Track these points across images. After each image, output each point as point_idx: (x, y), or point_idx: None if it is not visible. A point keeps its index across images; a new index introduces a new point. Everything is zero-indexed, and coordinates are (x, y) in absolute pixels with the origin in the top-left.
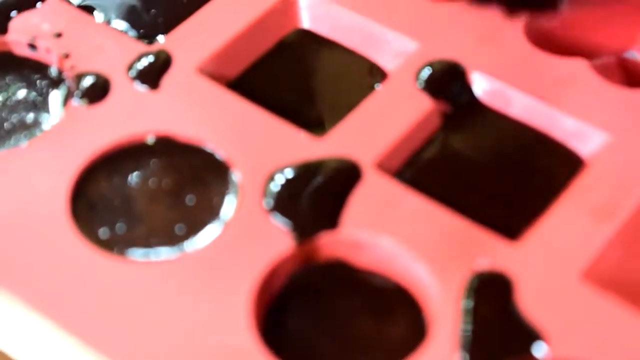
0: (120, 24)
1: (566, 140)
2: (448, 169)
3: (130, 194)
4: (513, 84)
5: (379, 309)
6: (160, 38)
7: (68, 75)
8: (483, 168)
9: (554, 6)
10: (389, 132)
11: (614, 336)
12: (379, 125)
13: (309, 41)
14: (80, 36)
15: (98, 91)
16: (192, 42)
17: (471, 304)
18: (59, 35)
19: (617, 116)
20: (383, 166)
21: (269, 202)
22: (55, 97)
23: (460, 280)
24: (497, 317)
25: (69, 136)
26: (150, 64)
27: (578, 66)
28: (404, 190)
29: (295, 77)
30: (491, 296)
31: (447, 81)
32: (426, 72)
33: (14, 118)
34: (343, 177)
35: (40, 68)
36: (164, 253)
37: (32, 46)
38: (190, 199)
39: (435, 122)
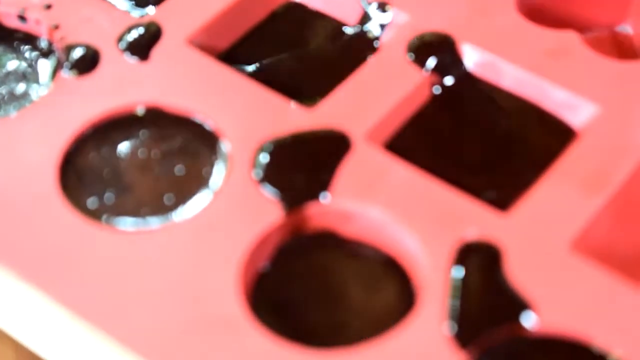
0: None
1: (557, 111)
2: (438, 141)
3: (119, 165)
4: (504, 56)
5: (367, 279)
6: (150, 9)
7: (58, 46)
8: (473, 139)
9: None
10: (379, 104)
11: (602, 306)
12: (369, 97)
13: (300, 13)
14: (70, 8)
15: (88, 62)
16: (182, 13)
17: (460, 273)
18: (48, 6)
19: (607, 88)
20: (373, 137)
21: (258, 172)
22: (45, 68)
23: (448, 250)
24: (485, 286)
25: (58, 107)
26: (140, 36)
27: (569, 38)
28: (394, 161)
29: (285, 49)
30: (480, 266)
31: (438, 53)
32: (416, 44)
33: (4, 89)
34: (332, 147)
35: (29, 39)
36: (152, 223)
37: (22, 18)
38: (179, 169)
39: (426, 93)
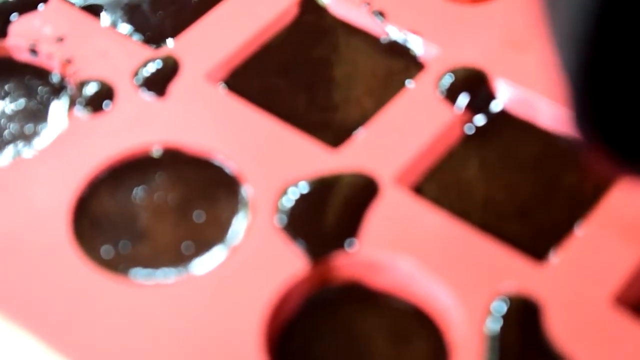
0: (126, 27)
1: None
2: (471, 183)
3: (134, 210)
4: (540, 92)
5: (397, 333)
6: (168, 42)
7: (70, 81)
8: (509, 182)
9: None
10: (408, 145)
11: None
12: (397, 137)
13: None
14: (83, 40)
15: (102, 99)
16: (201, 47)
17: (497, 329)
18: (60, 39)
19: None
20: (402, 180)
21: (282, 219)
22: (57, 105)
23: (484, 303)
24: (524, 342)
25: (71, 148)
26: (157, 71)
27: None
28: (425, 207)
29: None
30: (518, 321)
31: (470, 89)
32: (448, 80)
33: (14, 128)
34: (360, 192)
35: (41, 74)
36: (169, 274)
37: (33, 51)
38: (198, 216)
39: (458, 132)
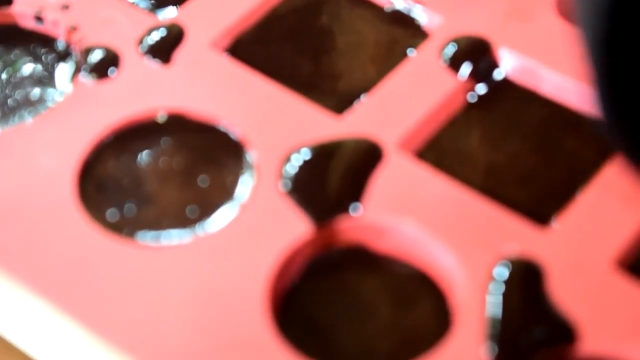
0: None
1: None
2: (474, 150)
3: (140, 174)
4: (543, 61)
5: (401, 297)
6: (173, 10)
7: (76, 49)
8: (511, 149)
9: None
10: (412, 111)
11: None
12: (401, 104)
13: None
14: (88, 8)
15: (107, 66)
16: (206, 15)
17: (499, 292)
18: (66, 7)
19: None
20: (405, 146)
21: (286, 184)
22: (63, 72)
23: (487, 267)
24: (526, 306)
25: (76, 113)
26: (162, 38)
27: None
28: (428, 172)
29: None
30: (520, 284)
31: (473, 58)
32: (451, 49)
33: (19, 94)
34: (363, 158)
35: (46, 41)
36: (175, 236)
37: (39, 19)
38: (203, 180)
39: (461, 100)
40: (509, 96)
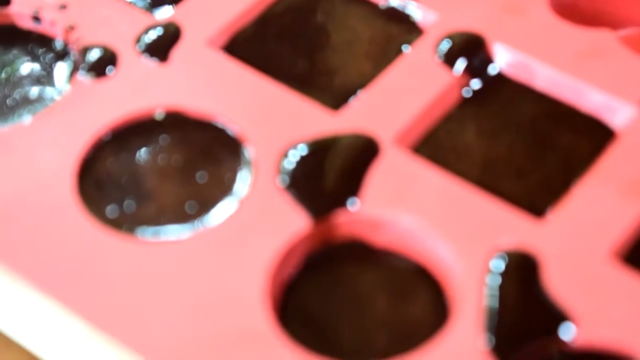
0: None
1: (593, 113)
2: (469, 145)
3: (138, 171)
4: (537, 56)
5: (398, 290)
6: (169, 9)
7: (74, 48)
8: (506, 143)
9: None
10: (407, 107)
11: None
12: (397, 100)
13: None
14: (86, 8)
15: (105, 65)
16: (202, 13)
17: (496, 284)
18: (63, 6)
19: None
20: (401, 141)
21: (284, 179)
22: (61, 71)
23: (483, 259)
24: (523, 297)
25: (75, 111)
26: (159, 37)
27: (605, 37)
28: (425, 167)
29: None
30: (516, 275)
31: (468, 54)
32: (445, 45)
33: (17, 93)
34: (360, 153)
35: (44, 41)
36: (174, 232)
37: (36, 18)
38: (201, 176)
39: (456, 96)
40: (504, 91)
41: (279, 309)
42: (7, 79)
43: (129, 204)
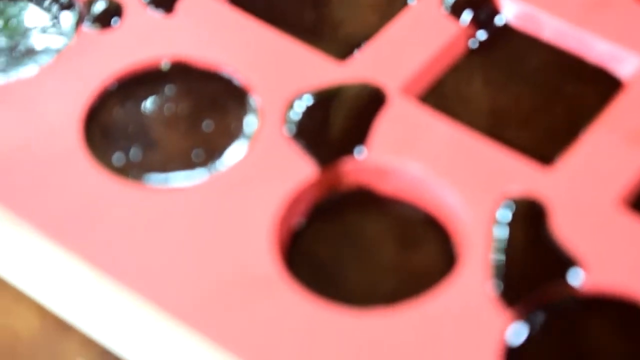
0: None
1: (600, 64)
2: (476, 95)
3: (144, 121)
4: (544, 7)
5: (405, 237)
6: None
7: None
8: (514, 93)
9: None
10: (414, 57)
11: None
12: (404, 50)
13: None
14: None
15: (110, 16)
16: None
17: (504, 230)
18: None
19: None
20: (408, 91)
21: (290, 128)
22: (66, 22)
23: (491, 206)
24: (531, 243)
25: (80, 62)
26: None
27: None
28: (431, 115)
29: None
30: (524, 222)
31: (474, 5)
32: None
33: (24, 44)
34: (366, 102)
35: None
36: (180, 179)
37: None
38: (207, 125)
39: (463, 46)
40: (511, 42)
41: (286, 255)
42: (13, 31)
43: (135, 152)
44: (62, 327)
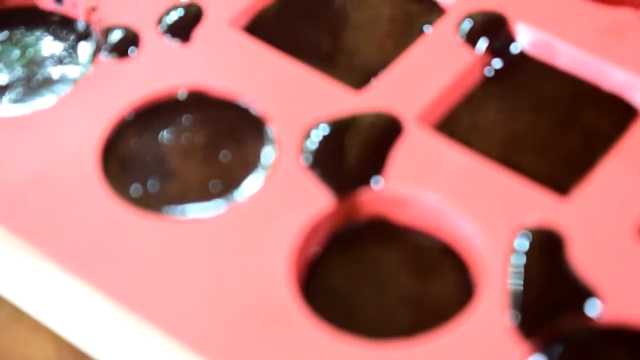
0: None
1: (616, 92)
2: (492, 123)
3: (162, 151)
4: (559, 35)
5: (423, 268)
6: None
7: (96, 29)
8: (529, 122)
9: None
10: (430, 86)
11: None
12: (419, 79)
13: None
14: None
15: (127, 45)
16: None
17: (521, 261)
18: None
19: None
20: (424, 120)
21: (307, 158)
22: (83, 52)
23: (508, 236)
24: (548, 273)
25: (98, 91)
26: (181, 17)
27: (626, 16)
28: (448, 145)
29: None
30: (542, 252)
31: (490, 33)
32: (467, 24)
33: (40, 74)
34: (383, 131)
35: (67, 22)
36: (198, 211)
37: (59, 0)
38: (224, 155)
39: (478, 75)
40: (526, 70)
41: (303, 285)
42: (31, 61)
43: (153, 183)
44: (78, 357)
